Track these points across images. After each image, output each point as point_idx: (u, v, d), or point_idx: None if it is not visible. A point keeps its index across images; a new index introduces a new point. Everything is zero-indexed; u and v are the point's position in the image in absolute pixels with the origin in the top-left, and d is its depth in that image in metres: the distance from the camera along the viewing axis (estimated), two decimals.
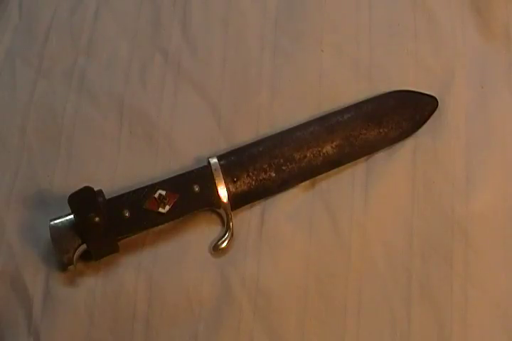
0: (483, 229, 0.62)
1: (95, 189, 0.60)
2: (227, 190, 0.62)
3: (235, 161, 0.64)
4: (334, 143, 0.65)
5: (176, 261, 0.62)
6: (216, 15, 0.72)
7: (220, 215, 0.63)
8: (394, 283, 0.61)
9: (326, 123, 0.65)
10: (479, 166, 0.64)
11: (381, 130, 0.65)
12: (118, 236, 0.61)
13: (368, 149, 0.65)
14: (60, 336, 0.60)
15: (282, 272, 0.61)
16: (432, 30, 0.70)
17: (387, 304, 0.60)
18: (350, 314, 0.60)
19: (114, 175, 0.65)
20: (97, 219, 0.58)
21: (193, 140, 0.67)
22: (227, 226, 0.62)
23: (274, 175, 0.64)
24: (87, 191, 0.60)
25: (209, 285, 0.61)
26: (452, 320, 0.59)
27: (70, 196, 0.60)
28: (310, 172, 0.64)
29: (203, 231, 0.63)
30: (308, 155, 0.64)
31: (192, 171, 0.63)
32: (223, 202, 0.62)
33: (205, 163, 0.64)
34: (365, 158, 0.65)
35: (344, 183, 0.64)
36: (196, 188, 0.62)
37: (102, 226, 0.59)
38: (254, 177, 0.63)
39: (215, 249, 0.62)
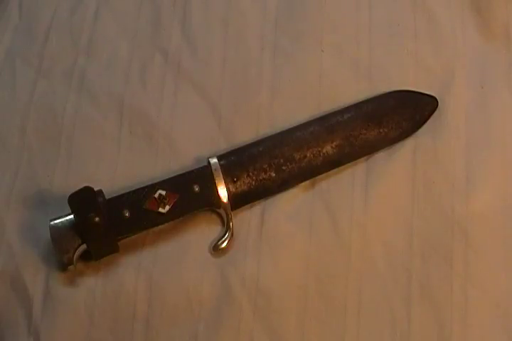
0: (483, 229, 0.62)
1: (95, 189, 0.60)
2: (227, 190, 0.62)
3: (235, 161, 0.64)
4: (334, 143, 0.65)
5: (176, 261, 0.62)
6: (216, 15, 0.72)
7: (220, 215, 0.63)
8: (394, 283, 0.61)
9: (326, 123, 0.66)
10: (479, 166, 0.64)
11: (381, 130, 0.65)
12: (118, 236, 0.61)
13: (368, 149, 0.65)
14: (60, 336, 0.60)
15: (282, 272, 0.61)
16: (432, 30, 0.70)
17: (387, 304, 0.60)
18: (350, 314, 0.60)
19: (114, 175, 0.65)
20: (97, 219, 0.58)
21: (193, 140, 0.67)
22: (227, 226, 0.62)
23: (274, 175, 0.64)
24: (87, 191, 0.60)
25: (209, 285, 0.61)
26: (452, 320, 0.59)
27: (70, 196, 0.60)
28: (310, 172, 0.64)
29: (203, 231, 0.63)
30: (308, 155, 0.64)
31: (192, 171, 0.63)
32: (223, 202, 0.62)
33: (205, 163, 0.64)
34: (365, 158, 0.65)
35: (344, 183, 0.64)
36: (196, 188, 0.62)
37: (102, 226, 0.59)
38: (254, 177, 0.63)
39: (215, 249, 0.62)
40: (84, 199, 0.60)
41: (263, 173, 0.64)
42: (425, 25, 0.70)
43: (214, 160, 0.63)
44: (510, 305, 0.60)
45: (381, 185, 0.64)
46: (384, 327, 0.60)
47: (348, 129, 0.65)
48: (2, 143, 0.67)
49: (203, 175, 0.63)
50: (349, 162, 0.65)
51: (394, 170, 0.64)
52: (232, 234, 0.62)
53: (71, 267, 0.60)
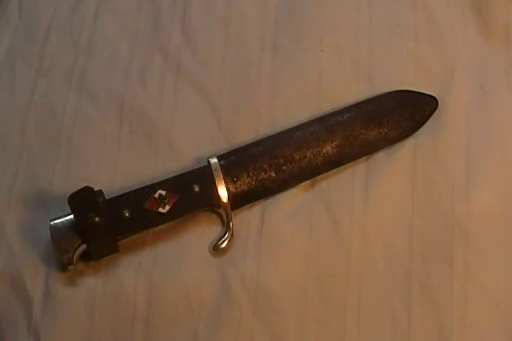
0: (483, 229, 0.62)
1: (95, 189, 0.60)
2: (227, 190, 0.62)
3: (235, 161, 0.64)
4: (334, 143, 0.65)
5: (176, 261, 0.62)
6: (216, 15, 0.72)
7: (220, 215, 0.63)
8: (394, 283, 0.61)
9: (326, 123, 0.66)
10: (479, 166, 0.64)
11: (381, 130, 0.65)
12: (118, 236, 0.61)
13: (368, 149, 0.65)
14: (60, 336, 0.60)
15: (282, 272, 0.61)
16: (432, 30, 0.70)
17: (387, 304, 0.60)
18: (350, 314, 0.60)
19: (114, 175, 0.65)
20: (97, 219, 0.58)
21: (193, 140, 0.67)
22: (227, 226, 0.62)
23: (274, 175, 0.64)
24: (87, 191, 0.60)
25: (209, 285, 0.61)
26: (452, 320, 0.59)
27: (70, 196, 0.60)
28: (310, 172, 0.64)
29: (203, 231, 0.63)
30: (308, 155, 0.64)
31: (192, 171, 0.63)
32: (223, 202, 0.62)
33: (205, 163, 0.64)
34: (365, 158, 0.65)
35: (344, 183, 0.64)
36: (196, 188, 0.62)
37: (102, 226, 0.59)
38: (254, 177, 0.63)
39: (215, 249, 0.62)
40: (84, 199, 0.60)
41: (263, 173, 0.64)
42: (425, 25, 0.70)
43: (214, 160, 0.63)
44: (510, 305, 0.60)
45: (381, 185, 0.64)
46: (384, 327, 0.60)
47: (348, 129, 0.65)
48: (2, 143, 0.67)
49: (203, 175, 0.63)
50: (349, 162, 0.65)
51: (394, 170, 0.64)
52: (232, 234, 0.62)
53: (71, 267, 0.60)
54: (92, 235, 0.59)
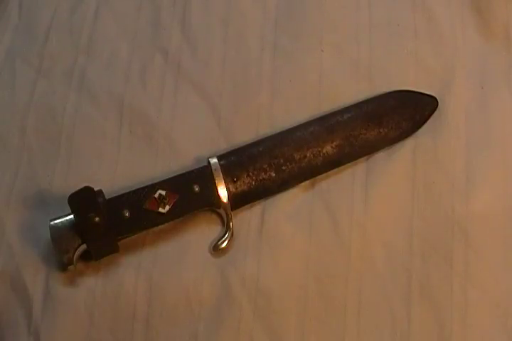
0: (483, 229, 0.62)
1: (95, 189, 0.60)
2: (227, 190, 0.62)
3: (235, 161, 0.64)
4: (334, 143, 0.65)
5: (176, 261, 0.62)
6: (216, 15, 0.72)
7: (220, 215, 0.63)
8: (394, 283, 0.61)
9: (326, 123, 0.66)
10: (479, 166, 0.64)
11: (381, 130, 0.65)
12: (118, 236, 0.61)
13: (368, 149, 0.65)
14: (60, 336, 0.60)
15: (282, 272, 0.61)
16: (432, 30, 0.70)
17: (387, 304, 0.60)
18: (350, 314, 0.60)
19: (114, 175, 0.65)
20: (97, 219, 0.58)
21: (193, 140, 0.67)
22: (227, 226, 0.62)
23: (274, 175, 0.64)
24: (87, 191, 0.60)
25: (209, 285, 0.61)
26: (452, 320, 0.59)
27: (70, 196, 0.60)
28: (310, 172, 0.64)
29: (203, 231, 0.63)
30: (308, 155, 0.64)
31: (192, 171, 0.63)
32: (223, 202, 0.62)
33: (205, 163, 0.64)
34: (365, 158, 0.65)
35: (344, 183, 0.64)
36: (196, 188, 0.62)
37: (102, 226, 0.59)
38: (254, 177, 0.63)
39: (215, 249, 0.62)
40: (84, 199, 0.60)
41: (263, 173, 0.64)
42: (425, 25, 0.70)
43: (214, 160, 0.63)
44: (510, 305, 0.60)
45: (381, 185, 0.64)
46: (384, 327, 0.60)
47: (348, 129, 0.65)
48: (2, 143, 0.67)
49: (203, 175, 0.63)
50: (349, 162, 0.65)
51: (394, 170, 0.64)
52: (232, 234, 0.62)
53: (71, 267, 0.60)
54: (92, 235, 0.59)
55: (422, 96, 0.67)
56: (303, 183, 0.64)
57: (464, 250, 0.61)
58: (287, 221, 0.63)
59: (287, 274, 0.61)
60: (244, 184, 0.63)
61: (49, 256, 0.62)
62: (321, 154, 0.64)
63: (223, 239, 0.62)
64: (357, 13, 0.71)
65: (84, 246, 0.60)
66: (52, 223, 0.60)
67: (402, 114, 0.66)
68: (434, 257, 0.61)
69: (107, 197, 0.61)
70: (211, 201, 0.62)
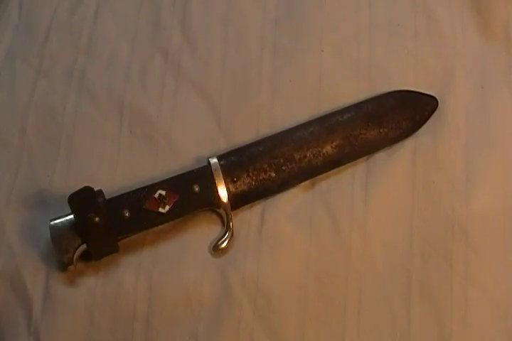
0: (483, 229, 0.62)
1: (95, 189, 0.60)
2: (227, 190, 0.62)
3: (235, 161, 0.64)
4: (334, 143, 0.65)
5: (176, 261, 0.62)
6: (216, 15, 0.72)
7: (220, 215, 0.63)
8: (394, 283, 0.61)
9: (326, 123, 0.65)
10: (479, 166, 0.64)
11: (381, 130, 0.65)
12: (118, 236, 0.61)
13: (368, 149, 0.65)
14: (60, 336, 0.60)
15: (282, 272, 0.61)
16: (432, 30, 0.70)
17: (387, 304, 0.60)
18: (350, 314, 0.60)
19: (114, 175, 0.65)
20: (97, 219, 0.58)
21: (193, 140, 0.67)
22: (227, 226, 0.62)
23: (274, 175, 0.64)
24: (87, 191, 0.60)
25: (209, 285, 0.61)
26: (452, 320, 0.59)
27: (70, 196, 0.60)
28: (310, 172, 0.64)
29: (203, 231, 0.63)
30: (308, 155, 0.64)
31: (192, 171, 0.63)
32: (223, 202, 0.62)
33: (205, 163, 0.64)
34: (365, 158, 0.65)
35: (344, 183, 0.64)
36: (196, 188, 0.62)
37: (102, 226, 0.59)
38: (254, 177, 0.63)
39: (215, 249, 0.62)
40: (84, 199, 0.60)
41: (263, 173, 0.64)
42: (425, 25, 0.70)
43: (214, 160, 0.63)
44: (510, 305, 0.60)
45: (381, 185, 0.64)
46: (384, 327, 0.60)
47: (348, 129, 0.65)
48: (2, 143, 0.67)
49: (203, 175, 0.63)
50: (349, 162, 0.65)
51: (394, 170, 0.64)
52: (232, 234, 0.62)
53: (71, 267, 0.60)
54: (92, 235, 0.59)
55: (422, 96, 0.67)
56: (303, 183, 0.64)
57: (464, 250, 0.61)
58: (287, 221, 0.63)
59: (287, 274, 0.61)
60: (244, 184, 0.63)
61: (49, 256, 0.62)
62: (321, 154, 0.64)
63: (223, 239, 0.62)
64: (357, 13, 0.71)
65: (84, 246, 0.60)
66: (52, 223, 0.60)
67: (402, 114, 0.66)
68: (434, 257, 0.61)
69: (107, 197, 0.61)
70: (211, 201, 0.62)
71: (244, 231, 0.63)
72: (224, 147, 0.66)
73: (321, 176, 0.65)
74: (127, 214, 0.60)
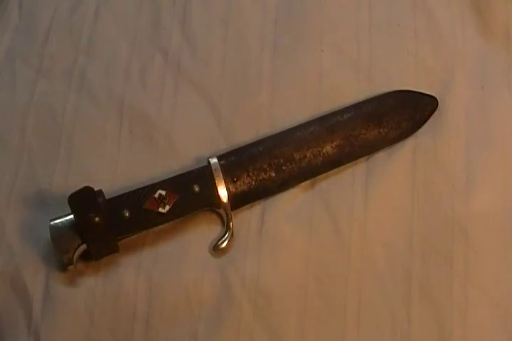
0: (483, 229, 0.62)
1: (95, 189, 0.60)
2: (227, 190, 0.62)
3: (235, 161, 0.64)
4: (334, 143, 0.65)
5: (176, 261, 0.62)
6: (216, 15, 0.72)
7: (220, 215, 0.63)
8: (394, 283, 0.61)
9: (326, 123, 0.65)
10: (479, 166, 0.64)
11: (381, 130, 0.65)
12: (118, 236, 0.61)
13: (368, 149, 0.65)
14: (60, 336, 0.60)
15: (282, 272, 0.61)
16: (432, 30, 0.70)
17: (387, 304, 0.60)
18: (350, 314, 0.60)
19: (114, 175, 0.65)
20: (97, 219, 0.58)
21: (193, 140, 0.67)
22: (227, 226, 0.62)
23: (274, 175, 0.64)
24: (87, 191, 0.60)
25: (209, 285, 0.61)
26: (452, 320, 0.59)
27: (70, 196, 0.60)
28: (310, 172, 0.64)
29: (203, 231, 0.63)
30: (308, 155, 0.64)
31: (192, 171, 0.63)
32: (223, 202, 0.62)
33: (205, 163, 0.64)
34: (365, 158, 0.65)
35: (344, 183, 0.64)
36: (196, 188, 0.62)
37: (102, 226, 0.58)
38: (254, 177, 0.63)
39: (215, 249, 0.62)
40: (84, 199, 0.60)
41: (263, 173, 0.64)
42: (425, 25, 0.70)
43: (214, 160, 0.63)
44: (510, 305, 0.60)
45: (381, 185, 0.64)
46: (384, 327, 0.60)
47: (348, 129, 0.65)
48: (2, 143, 0.67)
49: (203, 175, 0.63)
50: (349, 162, 0.65)
51: (394, 170, 0.64)
52: (232, 234, 0.62)
53: (71, 267, 0.60)
54: (92, 235, 0.59)
55: (422, 96, 0.67)
56: (303, 183, 0.64)
57: (464, 250, 0.61)
58: (287, 221, 0.63)
59: (287, 274, 0.61)
60: (244, 184, 0.63)
61: (49, 256, 0.62)
62: (321, 154, 0.64)
63: (223, 239, 0.62)
64: (357, 13, 0.71)
65: (84, 246, 0.59)
66: (52, 223, 0.60)
67: (402, 114, 0.66)
68: (434, 257, 0.61)
69: (107, 197, 0.61)
70: (211, 201, 0.62)
71: (244, 231, 0.63)
72: (224, 147, 0.66)
73: (321, 176, 0.65)
74: (127, 214, 0.60)
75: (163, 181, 0.62)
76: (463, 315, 0.59)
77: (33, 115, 0.68)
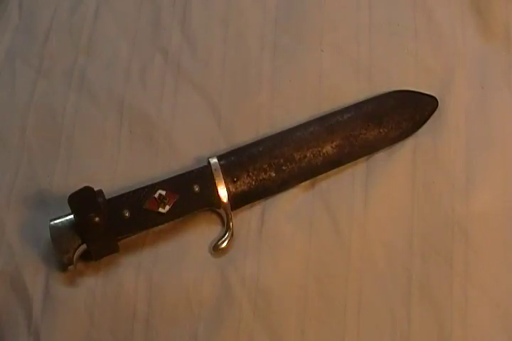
0: (483, 229, 0.62)
1: (95, 189, 0.60)
2: (227, 190, 0.62)
3: (235, 161, 0.64)
4: (334, 143, 0.65)
5: (176, 261, 0.62)
6: (216, 15, 0.72)
7: (220, 215, 0.63)
8: (394, 283, 0.61)
9: (326, 123, 0.66)
10: (479, 166, 0.64)
11: (381, 130, 0.65)
12: (118, 236, 0.61)
13: (368, 149, 0.65)
14: (60, 336, 0.60)
15: (282, 272, 0.61)
16: (432, 30, 0.70)
17: (387, 304, 0.60)
18: (350, 314, 0.60)
19: (114, 175, 0.65)
20: (97, 219, 0.58)
21: (193, 140, 0.67)
22: (227, 226, 0.62)
23: (274, 175, 0.64)
24: (87, 191, 0.60)
25: (209, 285, 0.61)
26: (452, 320, 0.59)
27: (70, 196, 0.60)
28: (310, 172, 0.64)
29: (203, 231, 0.63)
30: (308, 155, 0.64)
31: (192, 171, 0.63)
32: (223, 202, 0.62)
33: (205, 163, 0.64)
34: (365, 158, 0.65)
35: (344, 183, 0.64)
36: (196, 188, 0.62)
37: (102, 226, 0.58)
38: (254, 177, 0.63)
39: (215, 249, 0.62)
40: (84, 199, 0.60)
41: (263, 173, 0.64)
42: (425, 25, 0.70)
43: (214, 160, 0.63)
44: (510, 305, 0.60)
45: (381, 185, 0.64)
46: (384, 327, 0.60)
47: (348, 129, 0.65)
48: (2, 143, 0.67)
49: (203, 175, 0.63)
50: (349, 162, 0.65)
51: (394, 170, 0.64)
52: (232, 234, 0.62)
53: (71, 267, 0.60)
54: (92, 235, 0.59)
55: (422, 96, 0.67)
56: (303, 183, 0.64)
57: (464, 250, 0.61)
58: (287, 221, 0.63)
59: (287, 274, 0.61)
60: (244, 184, 0.63)
61: (49, 256, 0.62)
62: (321, 154, 0.64)
63: (223, 239, 0.62)
64: (357, 13, 0.71)
65: (84, 246, 0.60)
66: (52, 223, 0.60)
67: (402, 114, 0.66)
68: (434, 257, 0.61)
69: (107, 197, 0.61)
70: (211, 201, 0.62)
71: (244, 231, 0.63)
72: (224, 147, 0.66)
73: (321, 176, 0.65)
74: (127, 214, 0.60)
75: (163, 181, 0.62)
76: (463, 315, 0.59)
77: (33, 115, 0.68)
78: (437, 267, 0.61)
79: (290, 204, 0.64)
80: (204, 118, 0.67)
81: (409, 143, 0.65)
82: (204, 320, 0.60)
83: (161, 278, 0.61)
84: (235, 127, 0.67)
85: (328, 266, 0.61)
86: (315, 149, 0.64)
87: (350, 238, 0.62)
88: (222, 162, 0.63)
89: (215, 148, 0.66)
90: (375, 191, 0.63)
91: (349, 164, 0.65)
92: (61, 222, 0.60)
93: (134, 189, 0.62)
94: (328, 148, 0.64)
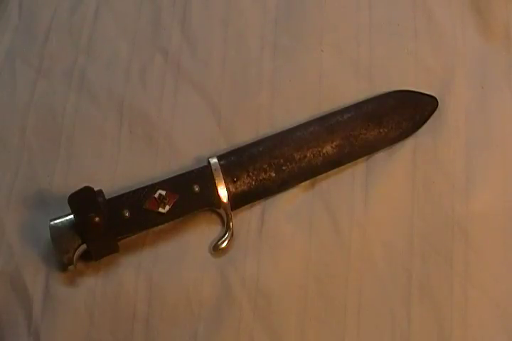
0: (483, 229, 0.62)
1: (95, 189, 0.60)
2: (227, 190, 0.62)
3: (235, 161, 0.64)
4: (334, 143, 0.65)
5: (176, 261, 0.62)
6: (216, 15, 0.72)
7: (220, 215, 0.63)
8: (394, 283, 0.61)
9: (326, 123, 0.66)
10: (479, 166, 0.64)
11: (381, 130, 0.65)
12: (118, 236, 0.61)
13: (368, 149, 0.65)
14: (60, 336, 0.60)
15: (282, 272, 0.61)
16: (432, 30, 0.70)
17: (387, 304, 0.60)
18: (350, 314, 0.60)
19: (114, 175, 0.65)
20: (97, 219, 0.58)
21: (193, 140, 0.67)
22: (227, 226, 0.62)
23: (274, 175, 0.64)
24: (87, 191, 0.60)
25: (209, 285, 0.61)
26: (452, 320, 0.59)
27: (70, 196, 0.60)
28: (310, 172, 0.64)
29: (203, 231, 0.63)
30: (308, 155, 0.64)
31: (192, 171, 0.63)
32: (223, 202, 0.62)
33: (205, 163, 0.64)
34: (365, 158, 0.65)
35: (344, 183, 0.64)
36: (196, 188, 0.62)
37: (102, 226, 0.58)
38: (254, 177, 0.63)
39: (215, 249, 0.62)
40: (84, 199, 0.60)
41: (263, 173, 0.64)
42: (425, 25, 0.70)
43: (214, 160, 0.63)
44: (510, 305, 0.60)
45: (381, 185, 0.64)
46: (384, 327, 0.60)
47: (348, 129, 0.65)
48: (2, 143, 0.67)
49: (203, 175, 0.63)
50: (349, 162, 0.65)
51: (394, 170, 0.64)
52: (232, 234, 0.62)
53: (71, 267, 0.60)
54: (92, 235, 0.59)
55: (422, 96, 0.67)
56: (303, 183, 0.64)
57: (464, 250, 0.61)
58: (287, 221, 0.63)
59: (287, 274, 0.61)
60: (244, 184, 0.63)
61: (49, 256, 0.62)
62: (321, 154, 0.64)
63: (223, 239, 0.62)
64: (357, 13, 0.71)
65: (84, 246, 0.60)
66: (52, 223, 0.60)
67: (402, 114, 0.66)
68: (434, 257, 0.61)
69: (107, 197, 0.61)
70: (211, 201, 0.62)
71: (244, 231, 0.63)
72: (224, 147, 0.66)
73: (321, 176, 0.65)
74: (127, 214, 0.60)
75: (163, 181, 0.62)
76: (463, 315, 0.59)
77: (33, 115, 0.68)
78: (437, 267, 0.61)
79: (290, 204, 0.64)
80: (204, 118, 0.67)
81: (409, 143, 0.65)
82: (204, 320, 0.60)
83: (161, 278, 0.61)
84: (235, 127, 0.67)
85: (328, 266, 0.61)
86: (315, 149, 0.64)
87: (350, 238, 0.62)
88: (222, 162, 0.63)
89: (215, 148, 0.66)
90: (375, 191, 0.63)
91: (349, 164, 0.65)
92: (61, 222, 0.60)
93: (134, 189, 0.62)
94: (328, 148, 0.64)
